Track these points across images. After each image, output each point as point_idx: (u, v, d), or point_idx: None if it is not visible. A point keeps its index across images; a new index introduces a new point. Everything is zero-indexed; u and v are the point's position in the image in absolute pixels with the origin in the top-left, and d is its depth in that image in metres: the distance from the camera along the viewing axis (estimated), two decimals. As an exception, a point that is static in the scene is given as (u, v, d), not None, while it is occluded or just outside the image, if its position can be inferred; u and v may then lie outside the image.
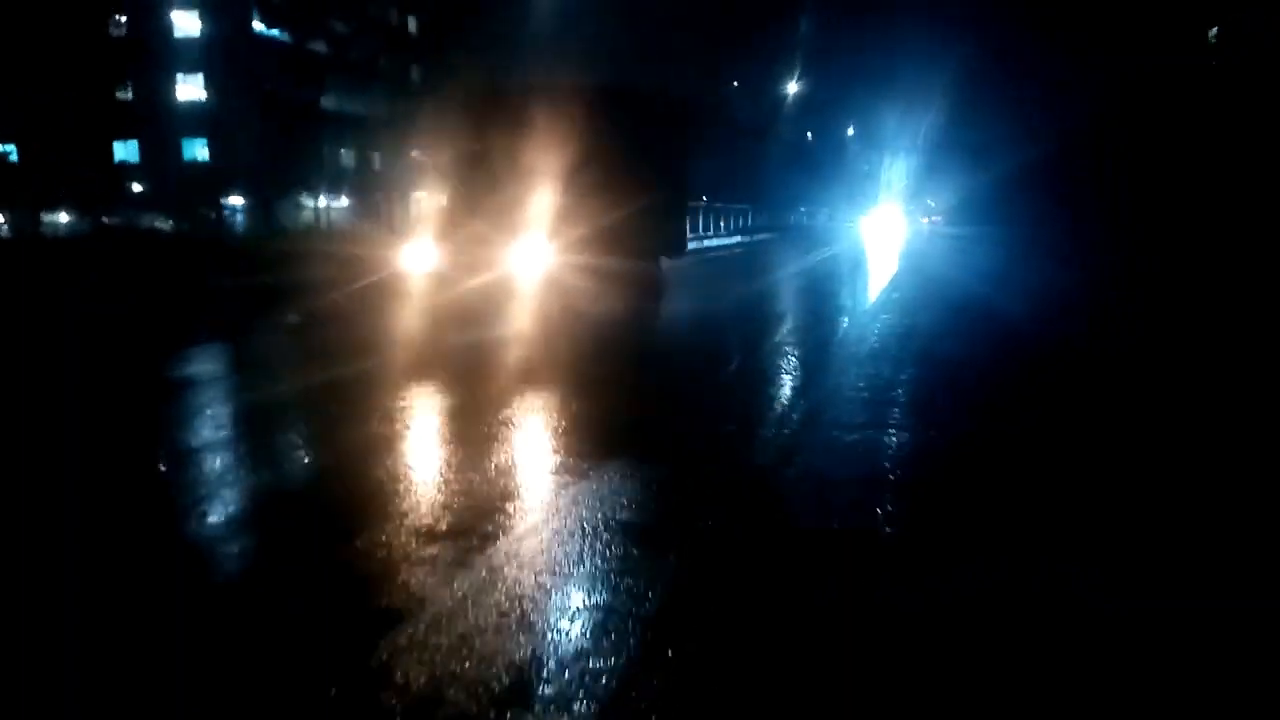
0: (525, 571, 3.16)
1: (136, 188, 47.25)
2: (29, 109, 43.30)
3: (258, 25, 47.88)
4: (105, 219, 35.30)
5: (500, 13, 49.78)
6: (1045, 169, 28.14)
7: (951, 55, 36.49)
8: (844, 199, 50.89)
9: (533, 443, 5.03)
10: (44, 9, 43.25)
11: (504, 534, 3.51)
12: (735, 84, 63.45)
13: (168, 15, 46.53)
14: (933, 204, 57.18)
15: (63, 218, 39.22)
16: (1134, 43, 26.16)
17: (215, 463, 4.70)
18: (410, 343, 8.80)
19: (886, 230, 40.82)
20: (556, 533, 3.52)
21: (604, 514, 3.68)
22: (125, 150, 49.22)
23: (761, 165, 54.63)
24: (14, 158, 48.73)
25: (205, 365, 8.01)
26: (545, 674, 2.48)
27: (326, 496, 4.17)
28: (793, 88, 55.36)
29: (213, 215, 36.77)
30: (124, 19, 47.56)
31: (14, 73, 42.86)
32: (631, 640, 2.65)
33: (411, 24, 60.69)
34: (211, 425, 5.67)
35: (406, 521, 3.67)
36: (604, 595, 2.97)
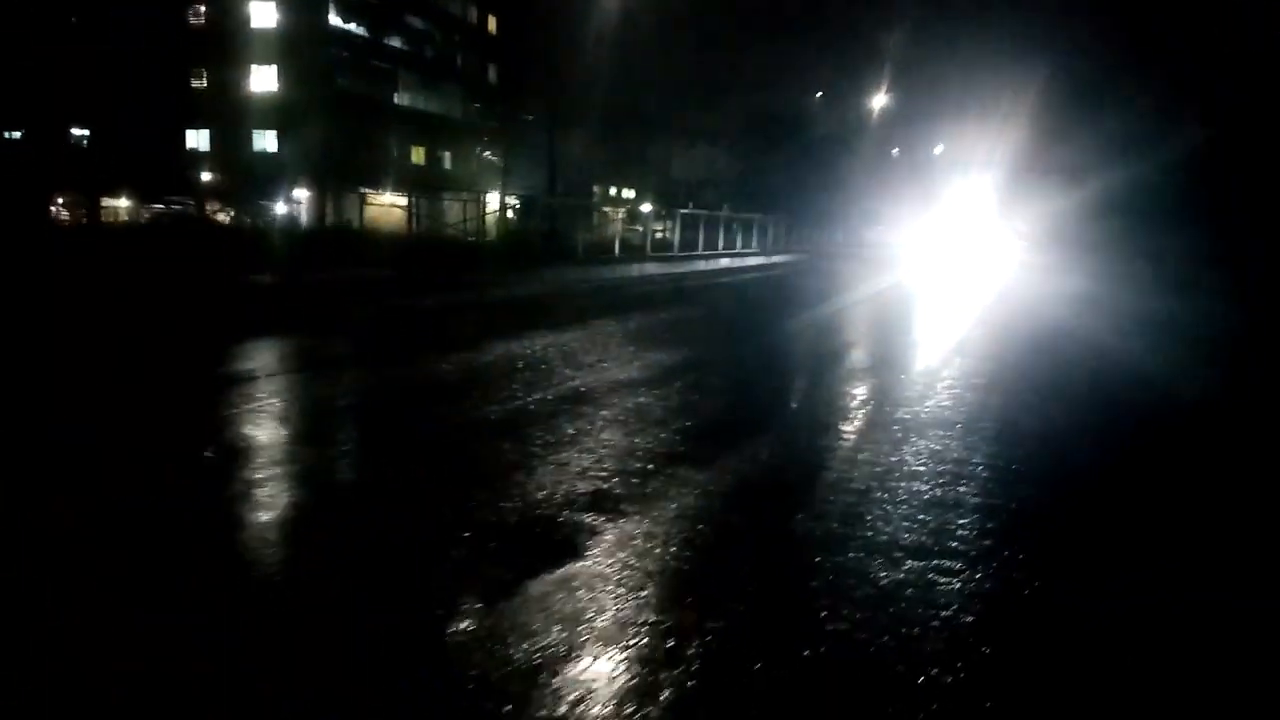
0: None
1: (206, 176, 47.45)
2: (107, 94, 43.82)
3: (334, 19, 47.61)
4: (162, 207, 35.15)
5: (580, 19, 48.75)
6: (1153, 192, 25.77)
7: (1043, 69, 33.75)
8: (917, 216, 48.03)
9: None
10: (125, -4, 43.77)
11: None
12: (819, 94, 61.33)
13: (245, 6, 46.58)
14: (1022, 228, 53.48)
15: (123, 204, 39.34)
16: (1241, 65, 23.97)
17: None
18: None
19: (969, 256, 36.83)
20: None
21: None
22: (197, 139, 49.57)
23: (830, 178, 52.49)
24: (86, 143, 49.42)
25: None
26: None
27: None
28: (877, 100, 53.07)
29: (273, 208, 36.32)
30: (202, 8, 47.84)
31: (94, 58, 43.41)
32: None
33: (491, 23, 60.05)
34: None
35: None
36: None
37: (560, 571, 3.60)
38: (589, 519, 4.24)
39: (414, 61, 53.92)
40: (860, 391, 8.09)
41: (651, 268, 26.95)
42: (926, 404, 7.37)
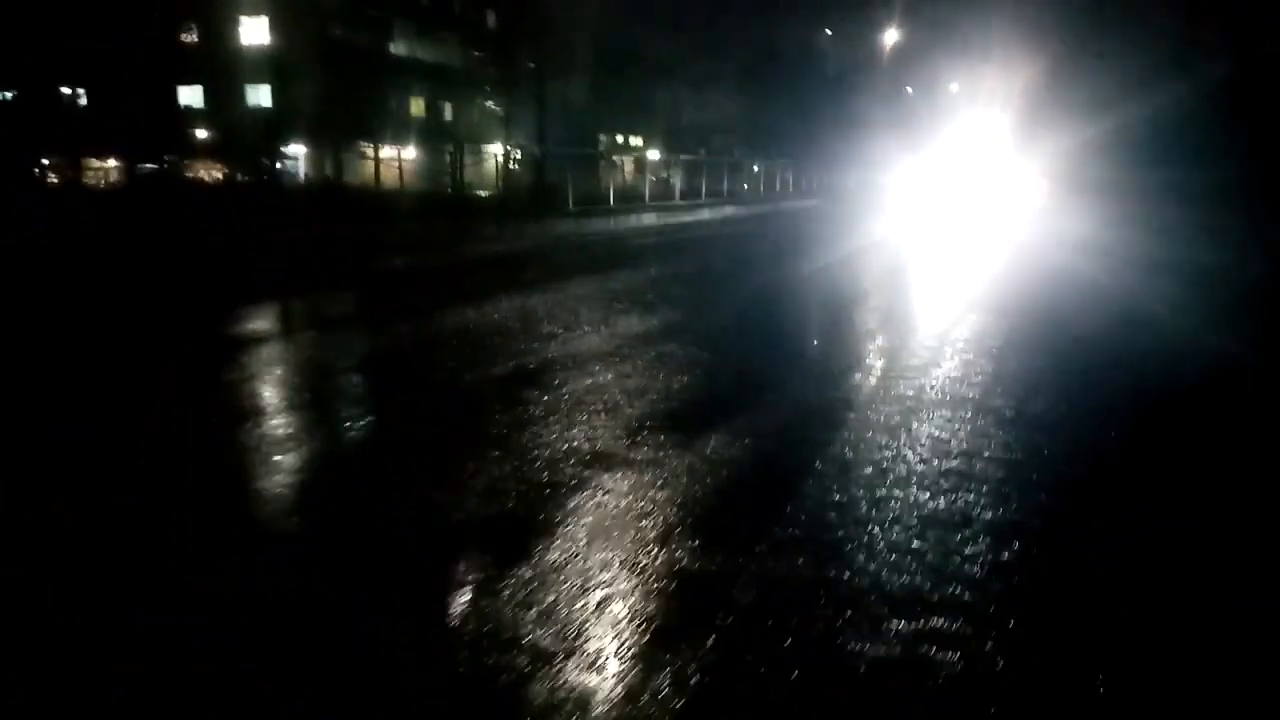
0: None
1: (201, 134, 46.34)
2: (97, 53, 42.71)
3: (324, -34, 45.94)
4: (148, 166, 34.15)
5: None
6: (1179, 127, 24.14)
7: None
8: (932, 158, 45.81)
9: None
10: (109, -52, 42.41)
11: None
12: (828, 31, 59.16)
13: (232, -45, 45.00)
14: (1041, 170, 50.60)
15: (112, 164, 38.40)
16: None
17: None
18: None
19: (987, 200, 34.47)
20: None
21: None
22: (190, 95, 48.36)
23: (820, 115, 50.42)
24: (84, 102, 48.41)
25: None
26: None
27: None
28: (889, 35, 50.92)
29: (268, 163, 35.27)
30: (189, -41, 46.27)
31: (84, 16, 42.27)
32: None
33: (490, -33, 58.06)
34: None
35: None
36: None
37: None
38: (485, 556, 3.26)
39: (410, 8, 52.24)
40: (859, 361, 7.02)
41: (649, 218, 25.77)
42: (932, 373, 6.32)
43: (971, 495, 3.95)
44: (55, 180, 34.16)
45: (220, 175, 35.81)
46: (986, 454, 4.56)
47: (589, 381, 5.94)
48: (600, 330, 7.86)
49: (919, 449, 4.63)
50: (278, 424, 5.03)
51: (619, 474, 4.16)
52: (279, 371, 6.55)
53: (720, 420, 5.05)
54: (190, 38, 47.24)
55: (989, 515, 3.73)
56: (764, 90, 56.87)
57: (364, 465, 4.50)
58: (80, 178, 34.61)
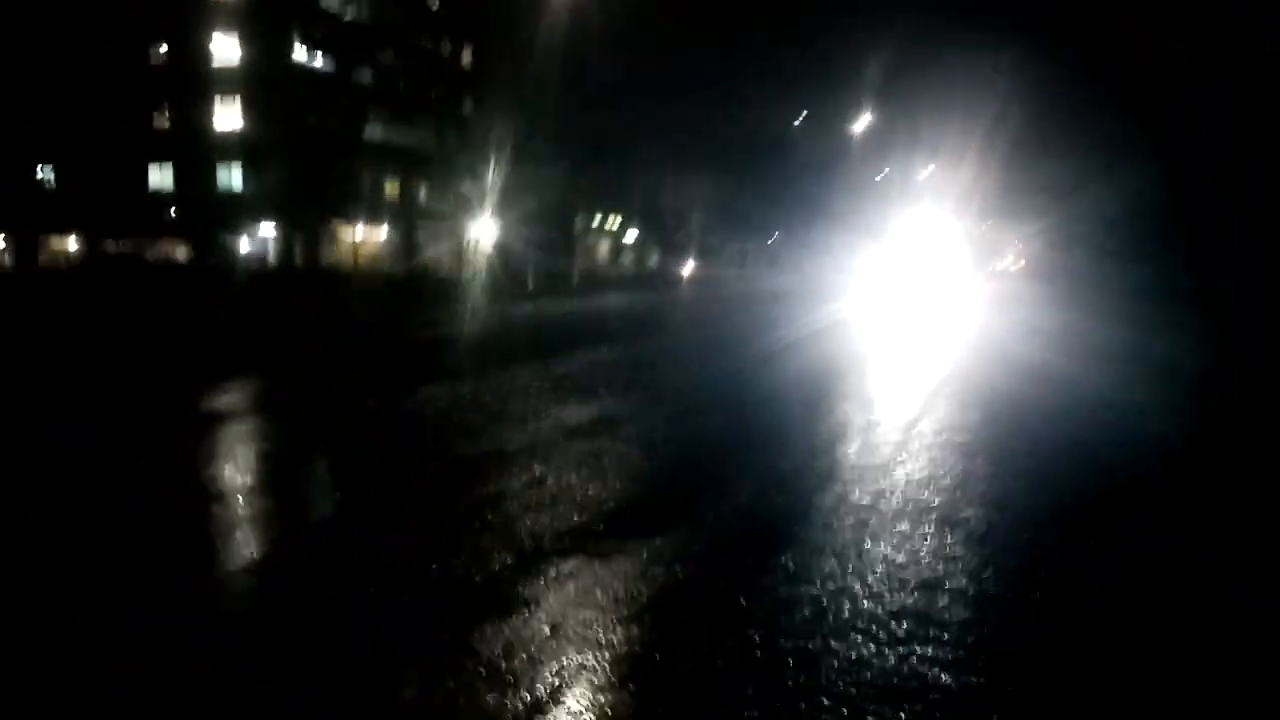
0: None
1: (171, 213, 45.88)
2: (68, 133, 42.50)
3: (300, 54, 46.34)
4: (109, 245, 33.49)
5: (556, 48, 47.53)
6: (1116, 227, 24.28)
7: (1016, 104, 31.78)
8: (901, 242, 45.48)
9: None
10: (86, 33, 42.62)
11: None
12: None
13: (207, 42, 45.29)
14: (1014, 253, 50.15)
15: (71, 242, 37.73)
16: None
17: None
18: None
19: (952, 285, 33.33)
20: None
21: None
22: (160, 176, 48.05)
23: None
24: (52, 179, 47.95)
25: None
26: None
27: None
28: (860, 123, 51.66)
29: (227, 245, 34.71)
30: (164, 45, 46.58)
31: (56, 96, 42.19)
32: None
33: (466, 56, 58.91)
34: None
35: None
36: None
37: None
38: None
39: (385, 95, 52.64)
40: (814, 456, 6.26)
41: (615, 298, 25.21)
42: (894, 475, 5.58)
43: (929, 649, 3.17)
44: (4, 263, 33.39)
45: (182, 256, 35.22)
46: (950, 584, 3.80)
47: (518, 483, 5.15)
48: (536, 422, 7.09)
49: (870, 579, 3.85)
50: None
51: (494, 620, 3.36)
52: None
53: (638, 538, 4.27)
54: (163, 121, 47.19)
55: (949, 679, 2.95)
56: (744, 174, 57.45)
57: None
58: (35, 258, 33.86)
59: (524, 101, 50.63)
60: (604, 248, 59.81)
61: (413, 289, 22.44)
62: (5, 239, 35.17)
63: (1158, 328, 15.88)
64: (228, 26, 44.98)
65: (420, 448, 6.44)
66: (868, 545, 4.31)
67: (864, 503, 5.05)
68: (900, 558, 4.14)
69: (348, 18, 48.90)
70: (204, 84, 44.97)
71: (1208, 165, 22.90)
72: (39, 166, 45.39)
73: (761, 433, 7.14)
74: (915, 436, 6.89)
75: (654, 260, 35.66)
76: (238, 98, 45.59)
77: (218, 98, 45.74)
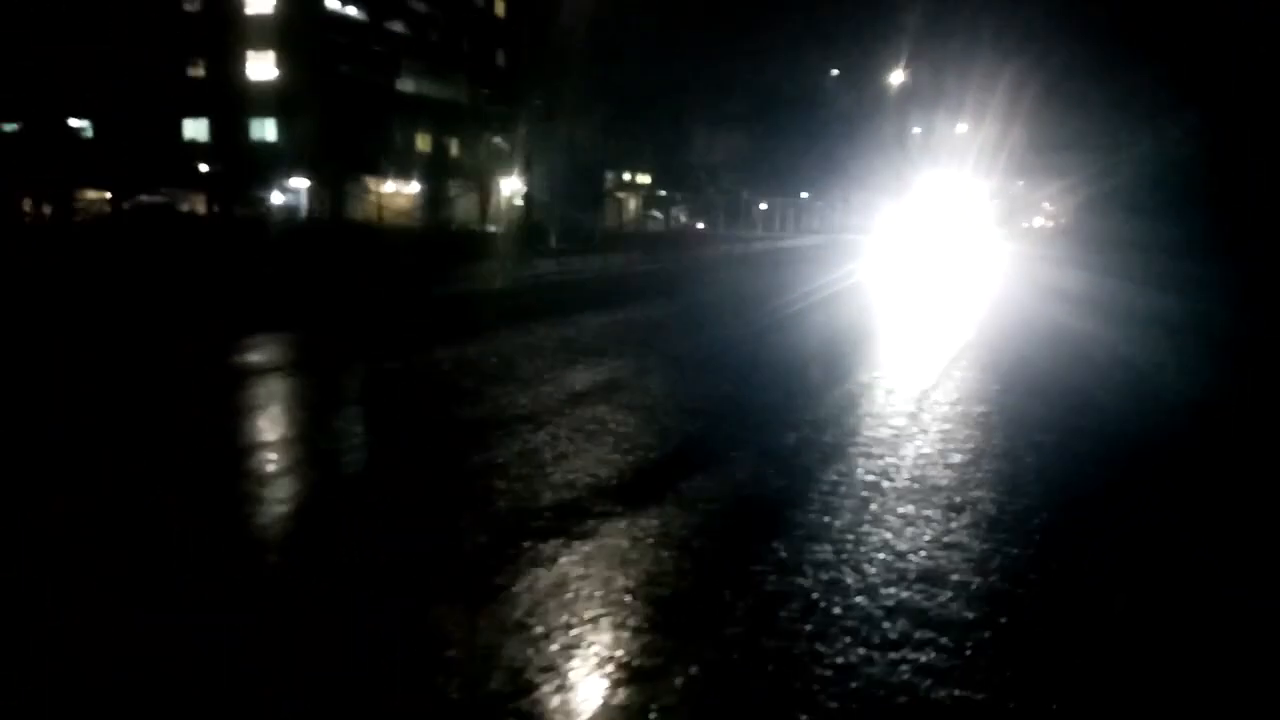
0: None
1: (204, 167, 46.02)
2: (104, 86, 42.56)
3: (333, 3, 45.91)
4: (144, 199, 33.64)
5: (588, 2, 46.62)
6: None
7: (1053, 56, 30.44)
8: (933, 199, 44.10)
9: None
10: (120, -17, 42.44)
11: None
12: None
13: (240, -11, 44.93)
14: (1044, 212, 48.15)
15: (108, 196, 37.98)
16: None
17: None
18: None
19: (981, 245, 32.20)
20: None
21: None
22: (195, 128, 48.10)
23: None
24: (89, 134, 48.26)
25: None
26: None
27: None
28: (894, 77, 50.28)
29: (268, 198, 34.76)
30: (198, -6, 46.27)
31: (91, 49, 42.18)
32: None
33: (499, 6, 58.08)
34: None
35: None
36: None
37: None
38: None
39: (418, 47, 52.14)
40: (820, 428, 5.96)
41: (641, 259, 24.81)
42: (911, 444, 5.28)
43: (923, 656, 2.90)
44: (43, 213, 33.66)
45: (215, 209, 35.30)
46: (955, 577, 3.52)
47: (528, 441, 4.94)
48: (561, 378, 6.87)
49: (866, 570, 3.58)
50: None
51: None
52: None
53: (632, 512, 4.03)
54: (198, 71, 47.08)
55: (941, 693, 2.69)
56: (772, 131, 56.43)
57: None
58: (69, 212, 34.09)
59: (555, 56, 49.87)
60: (632, 205, 59.21)
61: (437, 244, 22.22)
62: (42, 192, 35.46)
63: (1194, 290, 15.16)
64: (261, -26, 44.51)
65: (425, 411, 6.24)
66: (864, 528, 4.03)
67: (867, 477, 4.75)
68: (899, 543, 3.86)
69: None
70: (238, 34, 44.76)
71: (1246, 123, 22.01)
72: (74, 120, 45.64)
73: (757, 407, 6.84)
74: (929, 407, 6.56)
75: (683, 218, 35.14)
76: (271, 50, 45.37)
77: (251, 50, 45.55)
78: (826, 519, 4.16)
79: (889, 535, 3.97)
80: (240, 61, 46.05)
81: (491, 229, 29.07)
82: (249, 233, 25.27)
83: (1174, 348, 10.24)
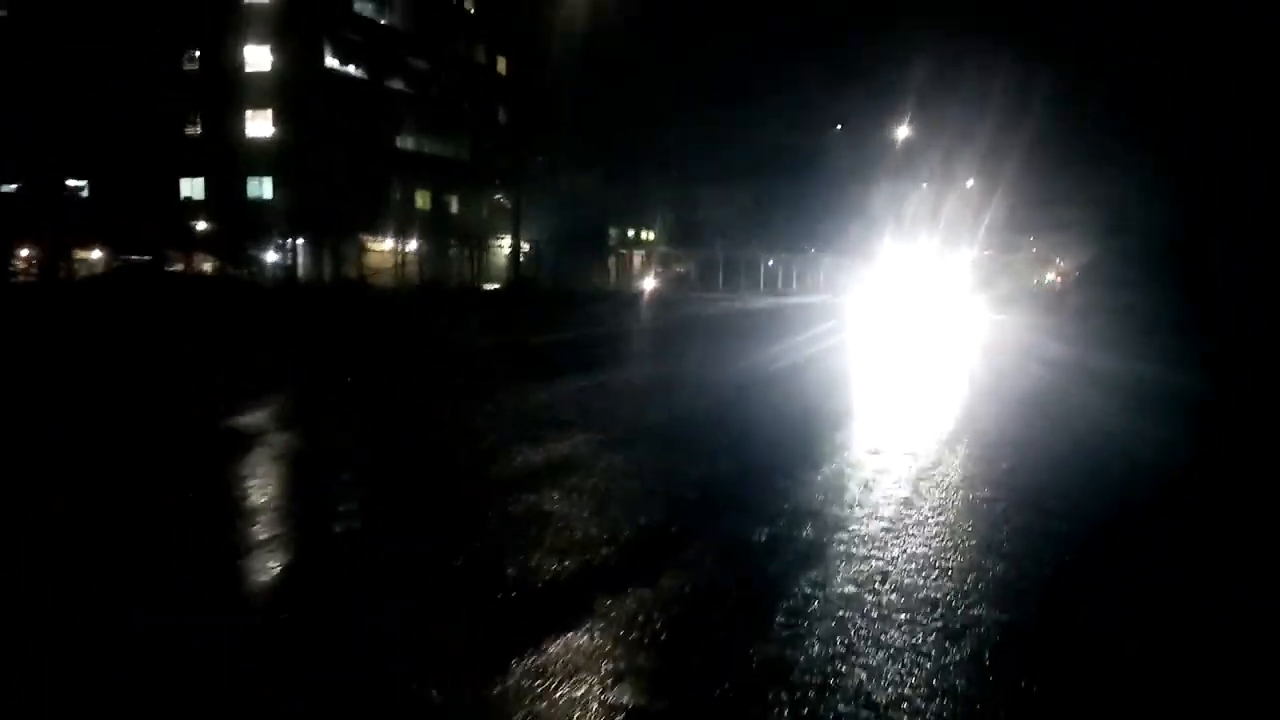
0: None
1: (202, 225, 45.84)
2: (101, 145, 42.54)
3: (331, 61, 46.06)
4: (133, 258, 33.33)
5: (592, 59, 46.82)
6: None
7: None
8: (940, 260, 43.79)
9: None
10: (120, 43, 42.60)
11: None
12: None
13: (240, 50, 45.14)
14: (1059, 265, 47.74)
15: (96, 256, 37.75)
16: None
17: None
18: None
19: (987, 311, 31.39)
20: None
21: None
22: (191, 188, 48.04)
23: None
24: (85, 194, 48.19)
25: None
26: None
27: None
28: (900, 132, 50.33)
29: (254, 256, 34.38)
30: (197, 54, 46.56)
31: (89, 107, 42.22)
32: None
33: (501, 64, 58.30)
34: None
35: None
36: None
37: None
38: None
39: (418, 104, 52.20)
40: (798, 521, 5.15)
41: (636, 311, 24.19)
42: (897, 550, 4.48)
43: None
44: (32, 273, 33.35)
45: (209, 268, 34.98)
46: (945, 743, 2.71)
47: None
48: (521, 453, 6.10)
49: (831, 732, 2.78)
50: None
51: None
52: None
53: (543, 639, 3.23)
54: (195, 130, 47.12)
55: None
56: (778, 188, 56.33)
57: None
58: (55, 270, 33.75)
59: (558, 114, 49.92)
60: (637, 260, 58.94)
61: (430, 305, 21.69)
62: (35, 250, 35.22)
63: (1170, 359, 14.81)
64: (260, 33, 44.63)
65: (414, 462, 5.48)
66: (840, 668, 3.22)
67: (846, 590, 3.95)
68: (875, 694, 3.05)
69: (381, 22, 48.57)
70: (236, 92, 44.81)
71: (1216, 185, 22.77)
72: (70, 179, 45.57)
73: (735, 489, 6.04)
74: (922, 493, 5.75)
75: (688, 272, 34.74)
76: (269, 108, 45.40)
77: (249, 108, 45.57)
78: (792, 652, 3.35)
79: (862, 674, 3.16)
80: (239, 120, 46.11)
81: (489, 287, 28.59)
82: (245, 293, 24.78)
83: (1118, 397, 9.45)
